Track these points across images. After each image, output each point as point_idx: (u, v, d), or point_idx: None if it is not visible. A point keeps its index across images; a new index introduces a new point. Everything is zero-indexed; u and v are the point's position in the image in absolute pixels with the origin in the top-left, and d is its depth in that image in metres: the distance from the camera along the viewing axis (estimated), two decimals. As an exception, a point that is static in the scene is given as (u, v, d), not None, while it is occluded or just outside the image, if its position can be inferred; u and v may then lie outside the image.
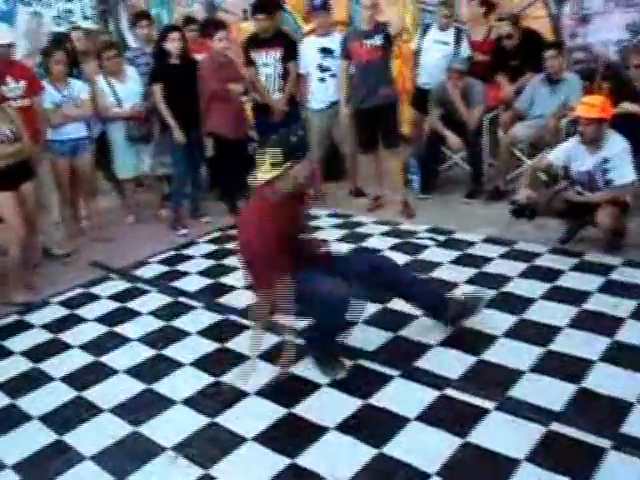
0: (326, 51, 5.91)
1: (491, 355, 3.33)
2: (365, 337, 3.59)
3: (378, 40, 5.47)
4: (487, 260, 4.50)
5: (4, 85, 4.70)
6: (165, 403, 3.18)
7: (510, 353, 3.33)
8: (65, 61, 5.28)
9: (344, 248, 4.90)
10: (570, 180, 4.60)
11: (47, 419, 3.14)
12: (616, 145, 4.35)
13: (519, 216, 4.64)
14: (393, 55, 5.81)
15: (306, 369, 3.33)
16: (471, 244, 4.82)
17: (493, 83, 6.20)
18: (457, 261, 4.54)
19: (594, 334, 3.44)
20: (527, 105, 5.82)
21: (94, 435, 2.99)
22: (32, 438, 3.01)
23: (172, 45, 5.42)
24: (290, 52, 5.93)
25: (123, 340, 3.85)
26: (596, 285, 3.99)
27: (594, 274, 4.14)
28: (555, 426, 2.75)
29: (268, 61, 5.93)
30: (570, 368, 3.16)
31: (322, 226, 5.50)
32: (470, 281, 4.18)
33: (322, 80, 5.96)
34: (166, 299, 4.36)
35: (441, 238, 4.98)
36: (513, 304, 3.84)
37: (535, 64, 5.82)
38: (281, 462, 2.69)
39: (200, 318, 4.04)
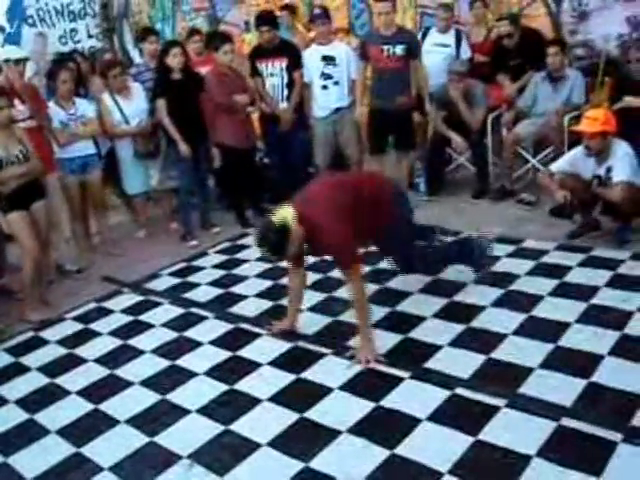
0: (328, 59, 5.97)
1: (500, 353, 3.35)
2: (375, 340, 3.62)
3: (399, 49, 5.56)
4: (494, 259, 4.50)
5: (12, 107, 4.78)
6: (180, 412, 3.23)
7: (519, 351, 3.35)
8: (70, 80, 5.37)
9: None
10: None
11: (65, 432, 3.20)
12: (620, 152, 4.39)
13: (558, 216, 4.77)
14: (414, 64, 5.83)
15: (317, 374, 3.38)
16: (478, 244, 4.83)
17: (495, 83, 6.23)
18: (465, 261, 4.56)
19: (603, 328, 3.45)
20: (530, 103, 5.84)
21: (111, 446, 3.04)
22: (50, 451, 3.06)
23: (174, 60, 5.48)
24: (295, 61, 6.00)
25: (137, 352, 3.90)
26: (604, 280, 4.00)
27: (602, 269, 4.15)
28: (566, 421, 2.77)
29: (274, 71, 5.99)
30: (580, 363, 3.17)
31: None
32: (478, 281, 4.20)
33: (325, 87, 6.02)
34: (178, 310, 4.41)
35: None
36: (521, 302, 3.86)
37: (536, 62, 5.85)
38: (295, 466, 2.73)
39: (212, 328, 4.08)
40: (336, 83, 6.01)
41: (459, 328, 3.64)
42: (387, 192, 3.80)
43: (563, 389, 2.99)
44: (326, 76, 6.00)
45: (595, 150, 4.43)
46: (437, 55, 6.17)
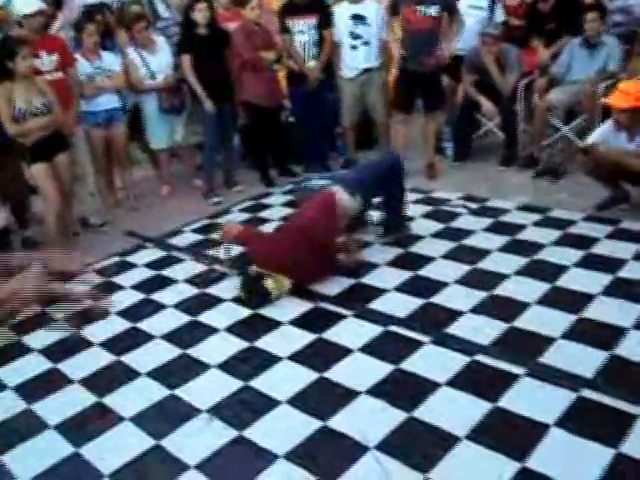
0: (358, 18, 5.84)
1: (523, 322, 3.33)
2: (396, 304, 3.63)
3: (433, 10, 5.40)
4: (521, 228, 4.46)
5: (37, 58, 4.77)
6: (200, 367, 3.26)
7: (542, 320, 3.32)
8: (97, 33, 5.33)
9: (377, 216, 4.91)
10: None
11: (87, 382, 3.24)
12: None
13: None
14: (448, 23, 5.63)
15: (338, 334, 3.39)
16: (505, 212, 4.78)
17: (529, 48, 6.08)
18: (490, 229, 4.51)
19: (628, 302, 3.40)
20: (564, 70, 5.70)
21: (132, 398, 3.08)
22: (73, 400, 3.11)
23: (200, 15, 5.40)
24: (326, 19, 5.88)
25: (159, 307, 3.93)
26: (632, 252, 3.94)
27: (630, 242, 4.09)
28: (586, 392, 2.75)
29: (304, 28, 5.88)
30: (602, 335, 3.14)
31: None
32: (503, 249, 4.16)
33: (354, 48, 5.91)
34: (200, 267, 4.43)
35: (474, 206, 4.95)
36: (546, 272, 3.81)
37: (572, 27, 5.69)
38: (313, 424, 2.75)
39: (234, 285, 4.09)
40: (366, 43, 5.89)
41: (481, 295, 3.62)
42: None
43: (584, 360, 2.96)
44: (355, 36, 5.89)
45: (625, 125, 4.30)
46: (471, 17, 5.99)
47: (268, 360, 3.24)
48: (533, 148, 5.83)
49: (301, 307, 3.71)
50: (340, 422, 2.75)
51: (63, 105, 4.74)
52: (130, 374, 3.28)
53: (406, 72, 5.63)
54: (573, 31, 5.69)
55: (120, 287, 4.27)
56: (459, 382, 2.91)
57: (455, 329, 3.33)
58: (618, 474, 2.34)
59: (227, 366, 3.24)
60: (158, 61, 5.69)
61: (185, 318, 3.76)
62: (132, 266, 4.57)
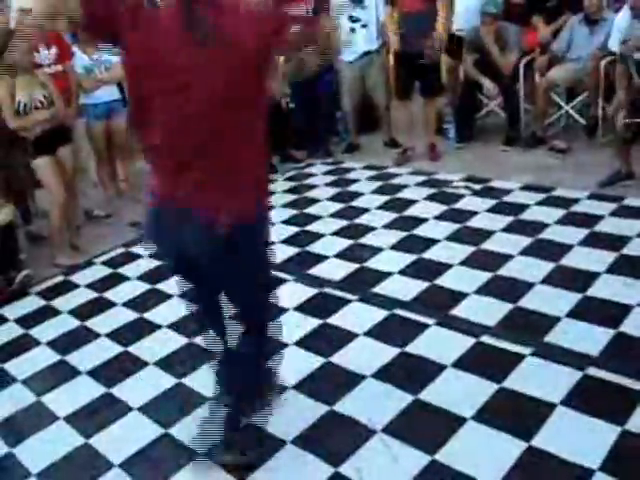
0: (356, 1, 5.81)
1: (528, 302, 3.33)
2: (401, 286, 3.63)
3: None
4: (524, 207, 4.45)
5: (36, 52, 4.76)
6: (207, 355, 3.25)
7: (547, 299, 3.32)
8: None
9: (380, 200, 4.91)
10: None
11: (95, 373, 3.27)
12: None
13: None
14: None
15: (343, 319, 3.40)
16: (508, 192, 4.76)
17: (529, 26, 6.02)
18: (493, 209, 4.50)
19: (632, 279, 3.39)
20: (565, 47, 5.65)
21: (140, 387, 3.10)
22: (82, 391, 3.14)
23: None
24: (322, 3, 5.84)
25: (165, 297, 3.93)
26: (636, 229, 3.92)
27: (634, 218, 4.07)
28: (591, 370, 2.75)
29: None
30: (607, 313, 3.14)
31: (358, 178, 5.50)
32: (506, 229, 4.16)
33: (352, 30, 5.88)
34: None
35: (477, 187, 4.93)
36: (550, 251, 3.80)
37: (572, 4, 5.63)
38: (320, 409, 2.76)
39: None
40: (364, 26, 5.86)
41: (486, 276, 3.62)
42: None
43: (590, 339, 2.96)
44: (354, 19, 5.85)
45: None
46: (470, -3, 5.95)
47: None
48: (536, 127, 5.79)
49: (305, 292, 3.71)
50: (347, 406, 2.76)
51: (63, 98, 4.73)
52: (137, 364, 3.29)
53: (403, 56, 5.57)
54: (574, 8, 5.63)
55: (126, 278, 4.28)
56: (465, 363, 2.92)
57: (460, 311, 3.33)
58: (624, 451, 2.34)
59: (233, 354, 3.25)
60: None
61: (191, 307, 3.76)
62: (137, 257, 4.58)
